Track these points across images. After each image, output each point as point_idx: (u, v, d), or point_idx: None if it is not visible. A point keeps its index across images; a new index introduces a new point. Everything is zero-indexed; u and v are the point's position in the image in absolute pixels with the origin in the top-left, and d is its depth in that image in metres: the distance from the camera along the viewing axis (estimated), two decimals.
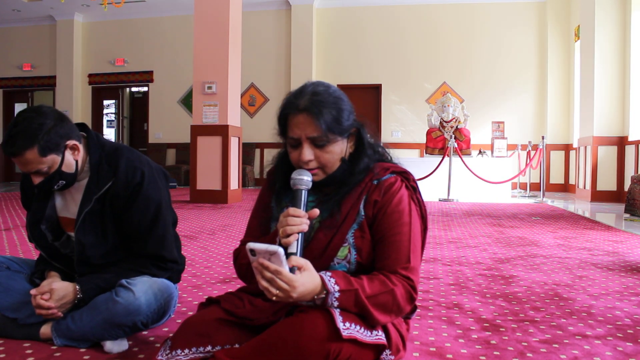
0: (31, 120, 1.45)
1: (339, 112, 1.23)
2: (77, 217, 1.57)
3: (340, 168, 1.27)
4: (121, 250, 1.64)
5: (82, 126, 1.64)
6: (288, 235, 1.15)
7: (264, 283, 1.08)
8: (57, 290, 1.50)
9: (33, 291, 1.49)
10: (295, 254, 1.14)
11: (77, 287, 1.53)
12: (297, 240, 1.15)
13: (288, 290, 1.07)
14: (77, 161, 1.57)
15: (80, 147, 1.58)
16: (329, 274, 1.15)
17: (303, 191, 1.21)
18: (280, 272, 1.06)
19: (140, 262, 1.62)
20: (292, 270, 1.09)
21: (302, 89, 1.26)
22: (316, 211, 1.20)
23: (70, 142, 1.53)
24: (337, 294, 1.13)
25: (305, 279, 1.09)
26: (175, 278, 1.76)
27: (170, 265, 1.66)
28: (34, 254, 3.04)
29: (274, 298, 1.08)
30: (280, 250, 1.05)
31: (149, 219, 1.60)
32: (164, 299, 1.56)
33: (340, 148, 1.26)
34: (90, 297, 1.54)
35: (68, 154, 1.54)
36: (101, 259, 1.60)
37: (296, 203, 1.19)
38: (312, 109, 1.20)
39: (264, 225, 1.37)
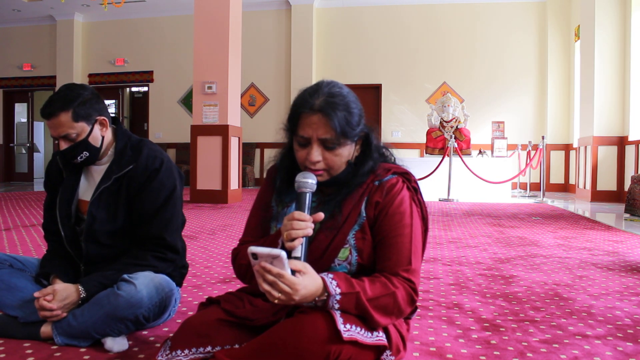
0: (72, 89, 1.62)
1: (353, 116, 1.23)
2: (95, 191, 1.65)
3: (344, 170, 1.27)
4: (127, 238, 1.68)
5: (113, 118, 1.76)
6: (293, 239, 1.14)
7: (265, 286, 1.07)
8: (60, 291, 1.51)
9: (37, 293, 1.51)
10: (299, 258, 1.13)
11: (80, 287, 1.54)
12: (302, 244, 1.15)
13: (290, 293, 1.06)
14: (103, 137, 1.68)
15: (109, 125, 1.70)
16: (330, 276, 1.15)
17: (308, 194, 1.19)
18: (282, 275, 1.06)
19: (140, 254, 1.64)
20: (292, 273, 1.08)
21: (318, 88, 1.24)
22: (321, 215, 1.18)
23: (101, 118, 1.67)
24: (338, 297, 1.12)
25: (307, 282, 1.09)
26: (178, 280, 1.77)
27: (170, 255, 1.68)
28: (34, 253, 3.04)
29: (276, 301, 1.08)
30: (283, 254, 1.05)
31: (159, 203, 1.66)
32: (165, 293, 1.58)
33: (348, 151, 1.26)
34: (93, 295, 1.55)
35: (97, 127, 1.66)
36: (108, 238, 1.65)
37: (301, 206, 1.18)
38: (327, 110, 1.19)
39: (263, 225, 1.36)
